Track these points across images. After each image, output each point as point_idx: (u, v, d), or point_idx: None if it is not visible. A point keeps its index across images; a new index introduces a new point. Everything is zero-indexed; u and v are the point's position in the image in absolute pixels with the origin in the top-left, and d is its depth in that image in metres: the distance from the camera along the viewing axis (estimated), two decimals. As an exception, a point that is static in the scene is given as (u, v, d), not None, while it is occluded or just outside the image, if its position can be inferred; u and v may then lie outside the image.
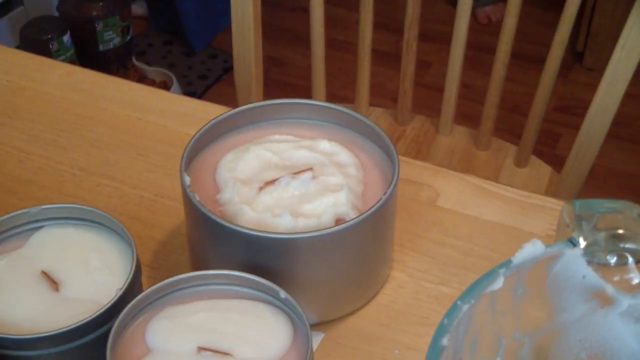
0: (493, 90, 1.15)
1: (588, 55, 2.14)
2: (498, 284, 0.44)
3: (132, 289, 0.54)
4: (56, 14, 1.95)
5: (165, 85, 2.01)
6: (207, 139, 0.65)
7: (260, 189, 0.61)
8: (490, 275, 0.44)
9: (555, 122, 1.97)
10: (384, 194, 0.58)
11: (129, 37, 1.96)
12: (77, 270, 0.56)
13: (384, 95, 2.00)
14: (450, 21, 1.13)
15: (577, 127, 1.06)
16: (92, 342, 0.52)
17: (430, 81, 2.10)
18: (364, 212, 0.57)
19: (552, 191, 1.15)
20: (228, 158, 0.64)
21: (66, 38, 1.82)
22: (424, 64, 2.12)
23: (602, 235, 0.46)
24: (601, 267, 0.46)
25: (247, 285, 0.54)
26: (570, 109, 2.02)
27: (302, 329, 0.52)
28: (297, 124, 0.68)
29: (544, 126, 1.21)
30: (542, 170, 1.19)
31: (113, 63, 1.96)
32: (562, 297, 0.48)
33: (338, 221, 0.59)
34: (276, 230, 0.58)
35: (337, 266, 0.59)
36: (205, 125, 0.64)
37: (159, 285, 0.53)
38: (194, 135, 0.63)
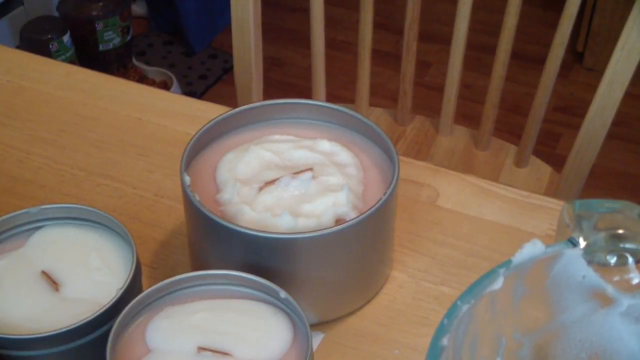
0: (493, 90, 1.15)
1: (588, 55, 2.13)
2: (498, 284, 0.44)
3: (132, 289, 0.54)
4: (56, 14, 1.94)
5: (165, 85, 2.01)
6: (207, 139, 0.65)
7: (260, 189, 0.61)
8: (490, 275, 0.44)
9: (555, 122, 1.97)
10: (384, 194, 0.58)
11: (129, 37, 1.96)
12: (77, 270, 0.56)
13: (384, 95, 2.00)
14: (450, 21, 1.13)
15: (577, 127, 1.06)
16: (92, 342, 0.52)
17: (430, 81, 2.10)
18: (364, 212, 0.57)
19: (552, 191, 1.15)
20: (228, 158, 0.64)
21: (66, 38, 1.82)
22: (424, 64, 2.12)
23: (602, 235, 0.46)
24: (601, 267, 0.46)
25: (247, 285, 0.54)
26: (570, 109, 2.02)
27: (302, 329, 0.52)
28: (297, 124, 0.68)
29: (544, 126, 1.21)
30: (542, 170, 1.19)
31: (113, 63, 1.96)
32: (562, 297, 0.48)
33: (338, 221, 0.59)
34: (276, 230, 0.58)
35: (337, 266, 0.59)
36: (205, 125, 0.64)
37: (159, 285, 0.53)
38: (194, 135, 0.63)
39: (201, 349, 0.50)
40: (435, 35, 2.08)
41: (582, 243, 0.46)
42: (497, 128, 1.23)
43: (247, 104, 0.67)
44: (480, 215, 0.71)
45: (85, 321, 0.51)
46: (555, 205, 0.71)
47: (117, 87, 0.85)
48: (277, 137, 0.66)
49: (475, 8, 1.10)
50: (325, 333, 0.62)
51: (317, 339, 0.61)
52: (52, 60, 0.91)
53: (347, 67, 1.96)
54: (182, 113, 0.81)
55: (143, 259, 0.64)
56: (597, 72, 1.87)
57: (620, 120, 1.27)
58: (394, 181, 0.60)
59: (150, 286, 0.53)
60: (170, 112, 0.82)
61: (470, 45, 1.18)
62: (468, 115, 1.61)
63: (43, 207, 0.59)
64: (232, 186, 0.61)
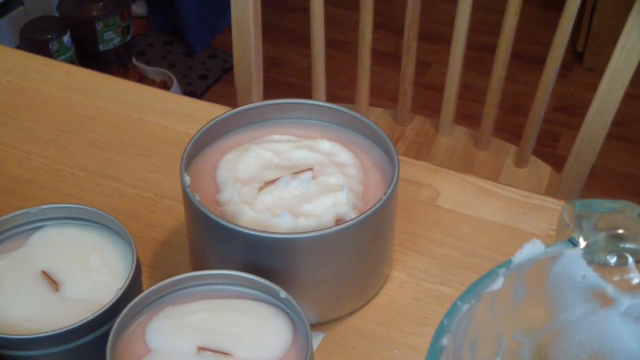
0: (493, 90, 1.15)
1: (588, 55, 2.14)
2: (498, 284, 0.44)
3: (132, 289, 0.54)
4: (56, 14, 1.95)
5: (165, 85, 2.01)
6: (207, 139, 0.65)
7: (260, 189, 0.61)
8: (490, 275, 0.44)
9: (555, 122, 1.97)
10: (384, 194, 0.58)
11: (129, 37, 1.96)
12: (77, 270, 0.56)
13: (384, 95, 2.00)
14: (450, 21, 1.13)
15: (577, 127, 1.06)
16: (92, 342, 0.52)
17: (430, 81, 2.10)
18: (364, 212, 0.57)
19: (552, 191, 1.15)
20: (228, 158, 0.64)
21: (66, 38, 1.82)
22: (424, 64, 2.12)
23: (602, 235, 0.46)
24: (601, 267, 0.46)
25: (247, 285, 0.54)
26: (570, 109, 2.02)
27: (302, 329, 0.52)
28: (297, 124, 0.68)
29: (544, 126, 1.21)
30: (542, 170, 1.19)
31: (113, 63, 1.96)
32: (562, 297, 0.48)
33: (338, 221, 0.59)
34: (276, 230, 0.58)
35: (337, 266, 0.59)
36: (205, 125, 0.64)
37: (159, 285, 0.53)
38: (194, 135, 0.63)
39: (201, 349, 0.50)
40: (435, 35, 2.08)
41: (582, 243, 0.46)
42: (497, 128, 1.23)
43: (247, 104, 0.67)
44: (480, 215, 0.71)
45: (85, 321, 0.51)
46: (555, 205, 0.71)
47: (117, 87, 0.85)
48: (277, 137, 0.66)
49: (475, 8, 1.10)
50: (325, 333, 0.62)
51: (317, 339, 0.61)
52: (52, 60, 0.90)
53: (347, 67, 1.96)
54: (182, 113, 0.81)
55: (143, 259, 0.64)
56: (597, 72, 1.87)
57: (620, 120, 1.27)
58: (394, 181, 0.60)
59: (150, 286, 0.53)
60: (170, 112, 0.82)
61: (470, 45, 1.18)
62: (468, 115, 1.61)
63: (43, 207, 0.59)
64: (232, 186, 0.61)
